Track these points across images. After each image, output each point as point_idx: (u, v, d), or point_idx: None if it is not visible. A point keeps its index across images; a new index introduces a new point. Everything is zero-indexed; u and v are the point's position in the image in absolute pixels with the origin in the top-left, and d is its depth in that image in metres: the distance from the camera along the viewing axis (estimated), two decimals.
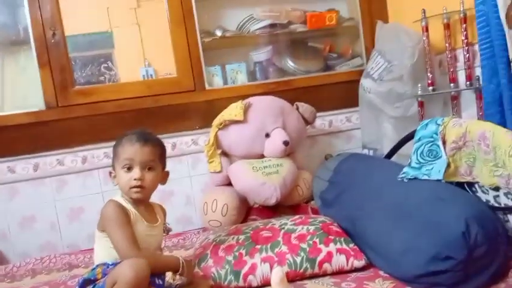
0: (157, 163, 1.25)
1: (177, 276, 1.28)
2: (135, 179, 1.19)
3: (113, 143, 2.11)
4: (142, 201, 1.27)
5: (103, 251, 1.22)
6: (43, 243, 2.07)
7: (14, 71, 2.13)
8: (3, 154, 2.01)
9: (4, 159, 2.02)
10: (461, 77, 1.95)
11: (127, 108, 2.11)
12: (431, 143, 1.38)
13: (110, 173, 1.27)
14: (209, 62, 2.22)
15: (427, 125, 1.42)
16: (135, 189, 1.20)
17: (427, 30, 1.95)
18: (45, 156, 2.06)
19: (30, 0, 1.96)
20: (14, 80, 2.13)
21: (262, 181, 1.85)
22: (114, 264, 1.15)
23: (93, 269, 1.21)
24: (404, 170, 1.41)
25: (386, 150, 2.03)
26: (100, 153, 2.11)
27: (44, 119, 2.02)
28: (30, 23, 1.97)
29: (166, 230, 1.38)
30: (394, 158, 1.82)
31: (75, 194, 2.09)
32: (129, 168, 1.20)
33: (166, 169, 1.32)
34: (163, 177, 1.31)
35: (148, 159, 1.22)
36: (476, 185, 1.32)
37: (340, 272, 1.35)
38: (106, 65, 2.20)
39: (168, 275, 1.32)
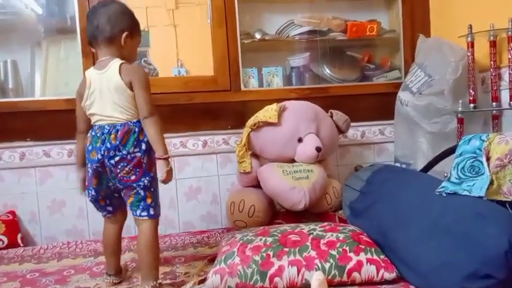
0: None
1: None
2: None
3: None
4: None
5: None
6: (70, 228, 2.10)
7: (57, 59, 2.19)
8: (40, 138, 2.07)
9: (41, 143, 2.07)
10: (505, 96, 1.89)
11: (162, 103, 2.12)
12: (473, 159, 1.34)
13: (127, 34, 1.38)
14: (246, 64, 2.24)
15: (470, 140, 1.38)
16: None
17: (472, 46, 1.90)
18: None
19: None
20: (57, 67, 2.19)
21: (292, 185, 1.83)
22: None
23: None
24: (443, 184, 1.37)
25: (420, 165, 1.98)
26: None
27: None
28: (78, 13, 2.03)
29: None
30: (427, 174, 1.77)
31: None
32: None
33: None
34: None
35: None
36: None
37: (368, 283, 1.32)
38: (146, 59, 2.24)
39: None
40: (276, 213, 1.99)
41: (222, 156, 2.23)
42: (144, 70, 1.45)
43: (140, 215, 1.37)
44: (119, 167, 1.34)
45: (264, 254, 1.36)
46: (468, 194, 1.28)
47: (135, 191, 1.36)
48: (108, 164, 1.34)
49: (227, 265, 1.34)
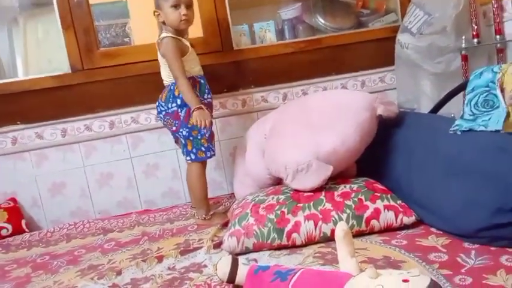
0: (192, 2, 1.66)
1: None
2: (184, 14, 1.58)
3: (140, 107, 2.08)
4: (185, 33, 1.68)
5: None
6: (74, 209, 2.05)
7: (37, 34, 2.07)
8: (30, 120, 1.98)
9: (32, 124, 1.98)
10: (508, 28, 1.82)
11: (152, 71, 2.02)
12: (487, 93, 1.28)
13: (155, 12, 1.64)
14: (236, 21, 2.12)
15: (481, 73, 1.31)
16: (183, 22, 1.60)
17: None
18: (73, 121, 2.01)
19: None
20: (38, 43, 2.07)
21: None
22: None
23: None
24: (457, 122, 1.32)
25: (424, 109, 1.93)
26: (127, 117, 2.06)
27: (69, 82, 1.96)
28: None
29: None
30: None
31: (104, 159, 2.05)
32: (176, 6, 1.58)
33: None
34: None
35: None
36: None
37: (388, 230, 1.29)
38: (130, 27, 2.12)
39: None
40: None
41: (221, 121, 2.16)
42: (169, 42, 1.60)
43: (186, 159, 1.68)
44: (165, 119, 1.67)
45: (279, 212, 1.32)
46: (484, 129, 1.23)
47: (179, 140, 1.70)
48: (159, 117, 1.70)
49: (242, 226, 1.31)
